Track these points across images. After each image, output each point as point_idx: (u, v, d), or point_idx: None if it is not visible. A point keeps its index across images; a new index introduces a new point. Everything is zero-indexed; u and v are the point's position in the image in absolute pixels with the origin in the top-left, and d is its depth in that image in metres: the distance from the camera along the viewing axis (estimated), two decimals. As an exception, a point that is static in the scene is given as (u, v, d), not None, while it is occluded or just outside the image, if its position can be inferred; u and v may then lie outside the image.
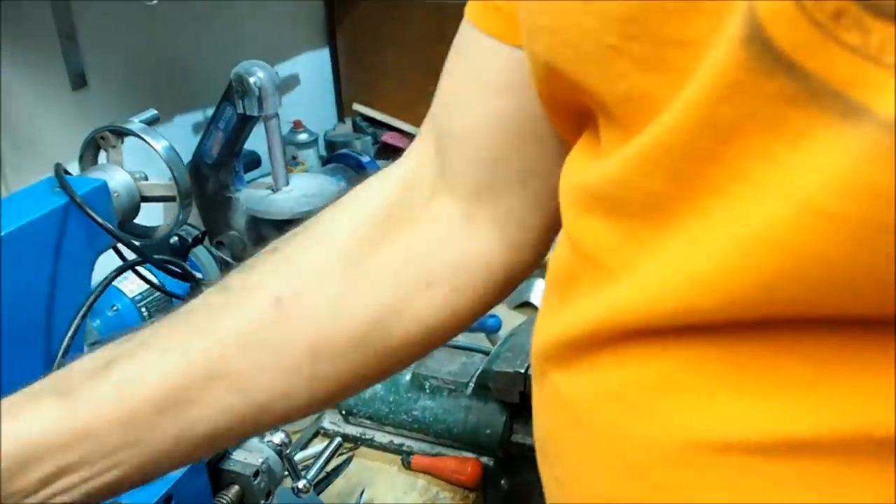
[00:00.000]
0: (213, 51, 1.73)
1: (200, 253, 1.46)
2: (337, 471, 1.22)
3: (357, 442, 1.26)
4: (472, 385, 1.22)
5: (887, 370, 0.32)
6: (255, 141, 1.62)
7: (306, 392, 0.58)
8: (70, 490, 0.51)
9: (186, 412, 0.53)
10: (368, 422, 1.26)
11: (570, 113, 0.50)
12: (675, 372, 0.38)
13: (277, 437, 1.00)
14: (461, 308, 0.63)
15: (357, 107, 2.06)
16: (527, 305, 1.57)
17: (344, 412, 1.26)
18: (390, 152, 1.95)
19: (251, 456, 0.95)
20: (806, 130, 0.30)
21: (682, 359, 0.38)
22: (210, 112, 1.64)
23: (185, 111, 1.69)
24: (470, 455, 1.21)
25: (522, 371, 1.13)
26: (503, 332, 1.46)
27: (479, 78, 0.60)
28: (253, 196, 1.56)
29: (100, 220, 0.77)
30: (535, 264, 0.67)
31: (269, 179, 1.60)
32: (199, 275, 1.09)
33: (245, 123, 1.56)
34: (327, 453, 1.11)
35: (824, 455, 0.34)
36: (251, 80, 1.49)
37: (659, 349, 0.39)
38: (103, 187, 0.82)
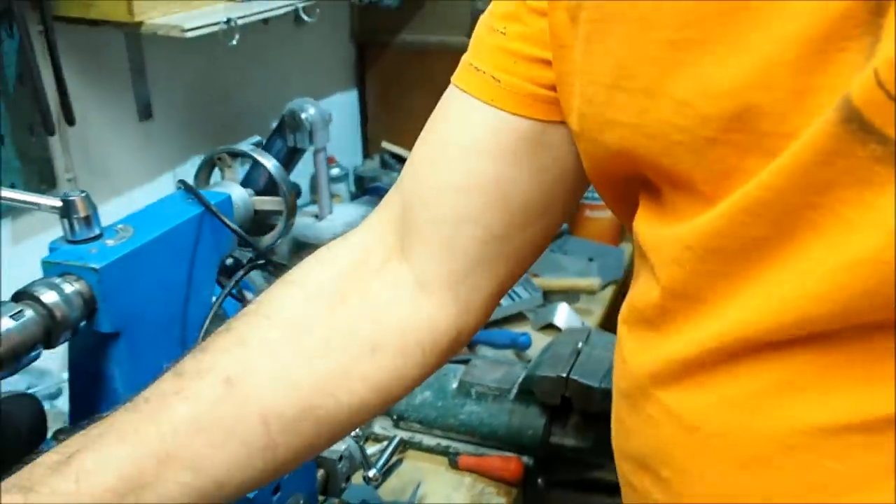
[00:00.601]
0: (259, 89, 1.87)
1: (255, 275, 1.57)
2: (389, 471, 1.32)
3: (406, 445, 1.37)
4: (514, 391, 1.33)
5: None
6: (294, 173, 1.75)
7: (262, 462, 0.60)
8: None
9: (146, 495, 0.55)
10: (417, 426, 1.36)
11: (619, 183, 0.57)
12: (791, 375, 0.46)
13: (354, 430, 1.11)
14: (407, 371, 0.66)
15: (385, 144, 2.20)
16: (550, 327, 1.69)
17: (395, 417, 1.37)
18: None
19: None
20: (890, 181, 0.41)
21: (798, 363, 0.46)
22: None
23: (234, 142, 1.81)
24: (512, 455, 1.32)
25: (564, 375, 1.25)
26: (531, 351, 1.59)
27: (462, 139, 0.64)
28: (299, 223, 1.68)
29: (233, 225, 0.89)
30: (479, 326, 0.70)
31: (310, 208, 1.72)
32: (250, 295, 1.19)
33: (293, 156, 1.68)
34: (391, 448, 1.22)
35: None
36: (303, 115, 1.62)
37: (774, 358, 0.46)
38: (227, 200, 0.94)
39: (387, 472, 1.31)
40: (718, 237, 0.48)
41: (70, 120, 1.29)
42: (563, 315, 1.69)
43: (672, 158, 0.49)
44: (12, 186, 1.29)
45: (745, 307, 0.47)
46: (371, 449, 1.30)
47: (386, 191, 1.96)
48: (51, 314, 0.73)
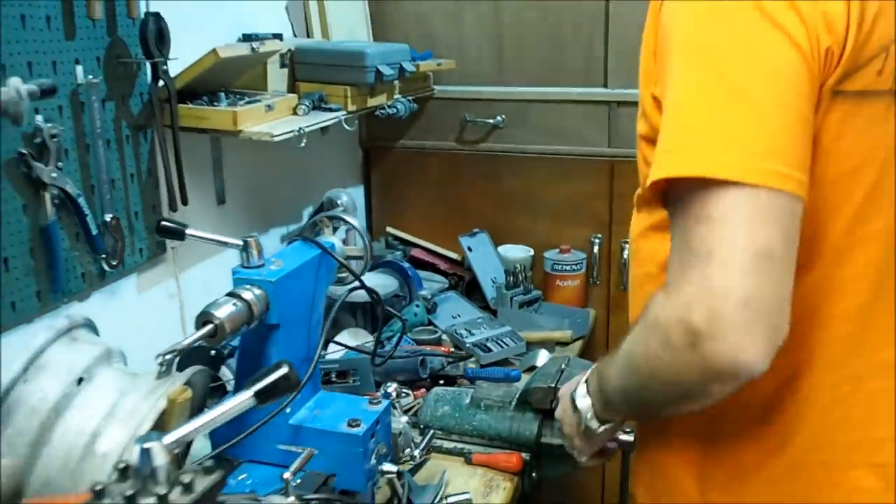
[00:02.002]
0: (294, 182, 2.35)
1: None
2: (419, 467, 1.73)
3: (431, 448, 1.78)
4: (513, 402, 1.77)
5: None
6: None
7: None
8: None
9: None
10: (439, 433, 1.78)
11: None
12: None
13: (404, 418, 1.54)
14: None
15: (390, 229, 2.68)
16: (532, 369, 2.13)
17: (421, 427, 1.79)
18: (417, 263, 2.54)
19: (394, 421, 1.48)
20: None
21: None
22: (293, 226, 2.24)
23: (276, 225, 2.28)
24: (513, 451, 1.74)
25: (553, 385, 1.69)
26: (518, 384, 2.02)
27: None
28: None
29: (342, 260, 1.34)
30: None
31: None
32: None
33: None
34: (427, 438, 1.64)
35: None
36: (339, 200, 2.09)
37: None
38: (332, 246, 1.40)
39: (417, 467, 1.72)
40: None
41: (185, 201, 1.74)
42: (543, 359, 2.14)
43: None
44: (140, 251, 1.73)
45: None
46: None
47: (398, 265, 2.43)
48: (249, 307, 1.17)
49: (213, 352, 1.69)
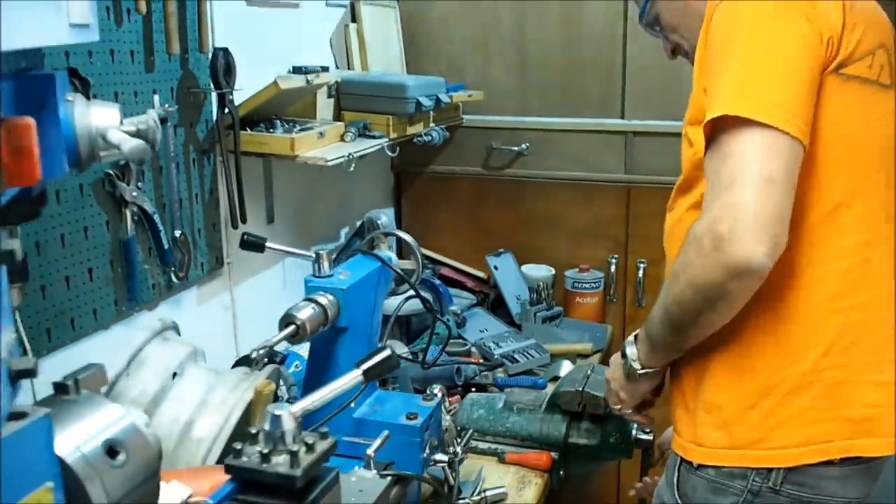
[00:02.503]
0: (333, 204, 2.52)
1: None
2: (458, 462, 1.88)
3: (467, 449, 1.93)
4: (543, 406, 1.92)
5: None
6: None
7: None
8: None
9: None
10: (476, 434, 1.93)
11: None
12: None
13: (448, 417, 1.69)
14: None
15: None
16: (556, 379, 2.29)
17: (458, 428, 1.94)
18: (446, 281, 2.70)
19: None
20: None
21: None
22: (332, 244, 2.40)
23: (317, 243, 2.44)
24: (543, 451, 1.89)
25: (580, 389, 1.84)
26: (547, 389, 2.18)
27: None
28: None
29: (400, 272, 1.50)
30: None
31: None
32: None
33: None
34: (467, 435, 1.79)
35: None
36: (378, 221, 2.25)
37: None
38: (390, 259, 1.56)
39: (458, 462, 1.86)
40: None
41: (244, 219, 1.91)
42: (566, 369, 2.29)
43: None
44: (202, 265, 1.89)
45: None
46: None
47: (430, 282, 2.59)
48: (325, 310, 1.33)
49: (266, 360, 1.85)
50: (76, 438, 0.79)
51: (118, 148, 0.87)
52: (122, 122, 0.94)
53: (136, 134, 0.95)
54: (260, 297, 2.15)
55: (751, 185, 1.13)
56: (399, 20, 2.78)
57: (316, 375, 1.43)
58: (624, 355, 1.47)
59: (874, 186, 1.30)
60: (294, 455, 0.83)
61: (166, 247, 1.73)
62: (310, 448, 0.86)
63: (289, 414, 0.86)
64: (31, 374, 0.72)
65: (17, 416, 0.70)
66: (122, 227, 1.64)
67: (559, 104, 2.72)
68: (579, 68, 2.68)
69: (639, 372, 1.43)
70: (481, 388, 2.18)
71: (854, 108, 1.27)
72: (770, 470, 1.29)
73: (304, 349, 2.01)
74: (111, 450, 0.80)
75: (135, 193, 1.64)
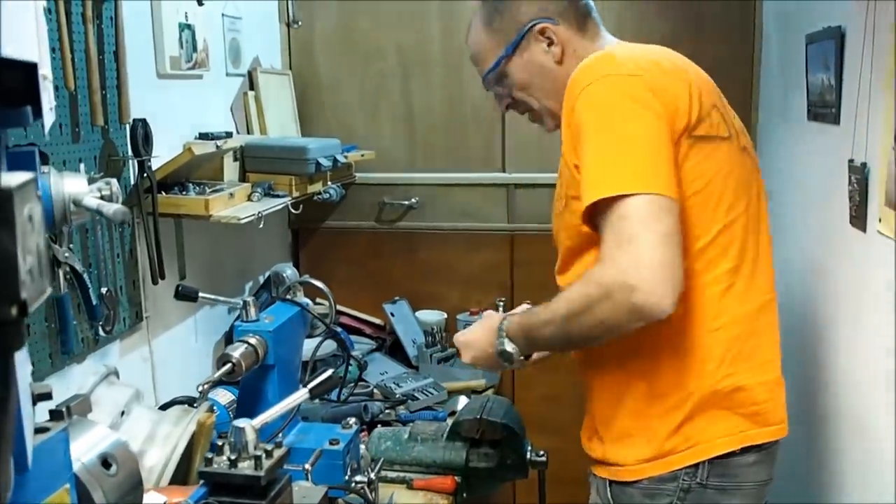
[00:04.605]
0: (238, 259, 2.68)
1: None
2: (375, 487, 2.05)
3: (378, 479, 2.11)
4: (445, 434, 2.12)
5: None
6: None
7: None
8: None
9: None
10: (385, 464, 2.11)
11: None
12: None
13: (361, 447, 1.87)
14: None
15: (319, 300, 3.02)
16: (453, 413, 2.49)
17: (370, 459, 2.12)
18: (345, 329, 2.87)
19: (357, 448, 1.81)
20: None
21: None
22: (237, 298, 2.55)
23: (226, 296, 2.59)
24: (447, 476, 2.08)
25: (479, 416, 2.05)
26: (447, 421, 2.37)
27: None
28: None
29: (317, 315, 1.69)
30: None
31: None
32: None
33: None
34: (377, 466, 1.97)
35: None
36: (284, 274, 2.43)
37: None
38: (307, 304, 1.74)
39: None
40: None
41: (163, 276, 2.05)
42: (462, 403, 2.49)
43: None
44: (124, 320, 2.03)
45: None
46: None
47: (332, 330, 2.72)
48: (255, 349, 1.50)
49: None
50: (76, 452, 0.94)
51: (99, 212, 1.04)
52: (90, 190, 1.11)
53: (104, 199, 1.12)
54: (174, 348, 2.29)
55: (652, 239, 1.29)
56: (292, 86, 2.99)
57: (246, 412, 1.59)
58: (502, 344, 1.59)
59: (732, 222, 1.52)
60: (258, 459, 1.01)
61: (95, 303, 1.86)
62: (269, 454, 1.03)
63: (250, 426, 1.03)
64: (48, 397, 0.88)
65: (40, 430, 0.86)
66: (56, 285, 1.76)
67: (445, 160, 2.98)
68: (462, 125, 2.95)
69: (520, 359, 1.59)
70: (386, 423, 2.36)
71: (707, 161, 1.47)
72: (696, 466, 1.51)
73: (219, 395, 2.17)
74: (105, 461, 0.96)
75: (67, 254, 1.77)
